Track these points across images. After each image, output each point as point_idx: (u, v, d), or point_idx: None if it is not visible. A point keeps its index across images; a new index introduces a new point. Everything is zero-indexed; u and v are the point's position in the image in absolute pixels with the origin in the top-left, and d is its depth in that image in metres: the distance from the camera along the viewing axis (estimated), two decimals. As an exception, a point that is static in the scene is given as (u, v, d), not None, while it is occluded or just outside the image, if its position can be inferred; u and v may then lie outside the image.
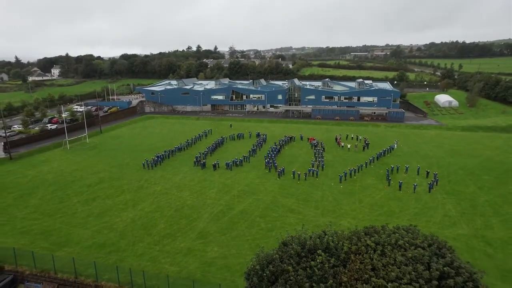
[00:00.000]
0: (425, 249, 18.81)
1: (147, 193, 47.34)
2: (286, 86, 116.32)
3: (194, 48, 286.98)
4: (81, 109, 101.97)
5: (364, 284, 17.19)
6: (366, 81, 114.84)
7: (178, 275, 29.96)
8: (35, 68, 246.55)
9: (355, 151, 65.44)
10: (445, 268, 17.26)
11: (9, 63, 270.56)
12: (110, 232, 37.34)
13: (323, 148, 65.10)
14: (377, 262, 18.08)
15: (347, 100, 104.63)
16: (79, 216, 41.19)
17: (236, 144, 72.50)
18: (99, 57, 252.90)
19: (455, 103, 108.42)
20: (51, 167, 58.99)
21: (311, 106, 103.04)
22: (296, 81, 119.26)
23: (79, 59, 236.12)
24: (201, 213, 41.19)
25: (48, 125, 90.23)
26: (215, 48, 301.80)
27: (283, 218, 39.86)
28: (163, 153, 62.63)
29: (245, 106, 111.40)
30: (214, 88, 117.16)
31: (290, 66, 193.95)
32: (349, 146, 66.95)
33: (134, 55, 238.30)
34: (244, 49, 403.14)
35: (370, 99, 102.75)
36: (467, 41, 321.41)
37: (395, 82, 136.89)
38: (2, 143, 70.80)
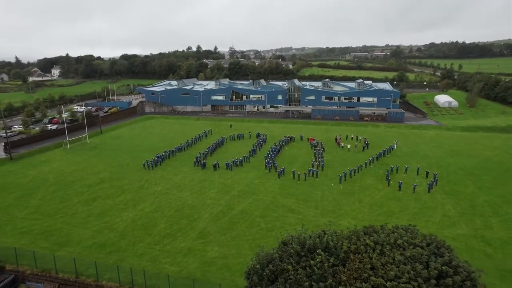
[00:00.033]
0: (423, 248, 18.94)
1: (147, 193, 47.48)
2: (286, 86, 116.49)
3: (194, 49, 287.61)
4: (81, 110, 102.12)
5: (363, 283, 17.32)
6: (366, 82, 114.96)
7: (178, 274, 30.08)
8: (35, 69, 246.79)
9: (355, 151, 65.58)
10: (443, 267, 17.39)
11: (9, 63, 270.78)
12: (110, 232, 37.47)
13: (323, 149, 65.24)
14: (376, 261, 18.22)
15: (347, 101, 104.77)
16: (80, 216, 41.32)
17: (236, 144, 72.65)
18: (99, 58, 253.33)
19: (454, 103, 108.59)
20: (52, 167, 59.13)
21: (311, 107, 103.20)
22: (296, 81, 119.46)
23: (79, 59, 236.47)
24: (201, 213, 41.33)
25: (49, 125, 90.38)
26: (215, 48, 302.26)
27: (283, 218, 39.99)
28: (163, 153, 62.78)
29: (245, 106, 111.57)
30: (214, 88, 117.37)
31: (290, 66, 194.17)
32: (349, 146, 67.09)
33: (134, 56, 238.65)
34: (244, 50, 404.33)
35: (370, 99, 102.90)
36: (467, 42, 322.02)
37: (395, 82, 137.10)
38: (3, 144, 70.96)
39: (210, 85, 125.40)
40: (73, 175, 54.89)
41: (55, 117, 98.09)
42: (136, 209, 42.86)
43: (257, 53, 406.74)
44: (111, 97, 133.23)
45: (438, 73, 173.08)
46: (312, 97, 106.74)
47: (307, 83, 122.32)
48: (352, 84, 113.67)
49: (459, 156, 61.72)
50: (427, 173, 51.77)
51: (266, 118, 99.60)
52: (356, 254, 19.08)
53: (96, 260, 31.05)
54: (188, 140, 72.08)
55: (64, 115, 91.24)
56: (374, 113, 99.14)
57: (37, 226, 39.03)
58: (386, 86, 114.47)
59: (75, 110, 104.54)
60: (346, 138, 75.04)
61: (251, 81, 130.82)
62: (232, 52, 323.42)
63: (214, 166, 56.17)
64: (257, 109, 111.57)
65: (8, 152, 65.01)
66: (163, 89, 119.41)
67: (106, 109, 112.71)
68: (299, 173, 51.75)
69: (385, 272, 17.60)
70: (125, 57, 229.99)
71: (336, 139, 72.48)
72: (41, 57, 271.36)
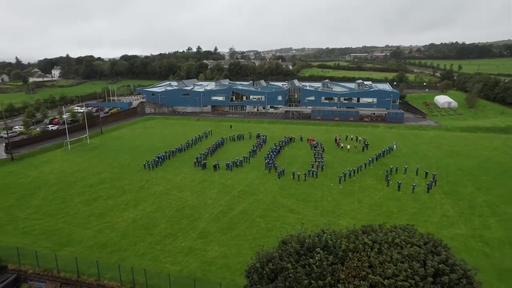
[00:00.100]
0: (421, 247, 19.23)
1: (148, 194, 47.77)
2: (286, 87, 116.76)
3: (194, 49, 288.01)
4: (82, 110, 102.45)
5: (361, 281, 17.60)
6: (365, 82, 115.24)
7: (179, 274, 30.35)
8: (36, 69, 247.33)
9: (355, 151, 65.86)
10: (440, 265, 17.68)
11: (9, 64, 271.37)
12: (111, 232, 37.75)
13: (323, 149, 65.52)
14: (374, 260, 18.50)
15: (346, 101, 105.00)
16: (81, 216, 41.61)
17: (236, 145, 72.93)
18: (99, 58, 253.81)
19: (454, 104, 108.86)
20: (53, 168, 59.42)
21: (311, 107, 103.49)
22: (296, 82, 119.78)
23: (79, 60, 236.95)
24: (202, 213, 41.60)
25: (49, 126, 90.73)
26: (215, 49, 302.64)
27: (283, 218, 40.25)
28: (163, 153, 63.07)
29: (245, 107, 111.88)
30: (214, 89, 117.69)
31: (290, 67, 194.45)
32: (348, 147, 67.36)
33: (135, 56, 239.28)
34: (244, 50, 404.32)
35: (369, 100, 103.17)
36: (467, 42, 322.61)
37: (395, 83, 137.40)
38: (4, 144, 71.26)
39: (210, 85, 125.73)
40: (74, 176, 55.18)
41: (55, 118, 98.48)
42: (137, 209, 43.14)
43: (257, 53, 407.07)
44: (111, 98, 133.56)
45: (437, 74, 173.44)
46: (312, 98, 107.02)
47: (307, 83, 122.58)
48: (352, 85, 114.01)
49: (458, 156, 62.00)
50: (426, 173, 52.04)
51: (266, 119, 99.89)
52: (355, 253, 19.36)
53: (97, 260, 31.33)
54: (188, 141, 72.37)
55: (65, 116, 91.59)
56: (374, 113, 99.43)
57: (38, 226, 39.31)
58: (386, 86, 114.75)
59: (76, 110, 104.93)
60: (346, 138, 75.33)
61: (251, 81, 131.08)
62: (232, 53, 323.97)
63: (214, 166, 56.45)
64: (257, 110, 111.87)
65: (9, 153, 65.32)
66: (163, 89, 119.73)
67: (106, 109, 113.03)
68: (299, 173, 52.03)
69: (383, 270, 17.88)
70: (125, 57, 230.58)
71: (335, 140, 72.77)
72: (42, 58, 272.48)
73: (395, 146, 67.44)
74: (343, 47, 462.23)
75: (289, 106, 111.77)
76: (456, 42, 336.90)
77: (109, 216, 41.34)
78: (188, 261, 32.41)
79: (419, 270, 17.52)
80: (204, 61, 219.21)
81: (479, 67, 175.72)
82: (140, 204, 44.40)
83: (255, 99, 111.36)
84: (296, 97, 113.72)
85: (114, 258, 32.90)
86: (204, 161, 58.60)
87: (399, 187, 47.44)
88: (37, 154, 67.77)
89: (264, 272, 19.49)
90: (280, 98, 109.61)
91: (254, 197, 45.86)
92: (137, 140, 77.92)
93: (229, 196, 46.44)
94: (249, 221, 39.66)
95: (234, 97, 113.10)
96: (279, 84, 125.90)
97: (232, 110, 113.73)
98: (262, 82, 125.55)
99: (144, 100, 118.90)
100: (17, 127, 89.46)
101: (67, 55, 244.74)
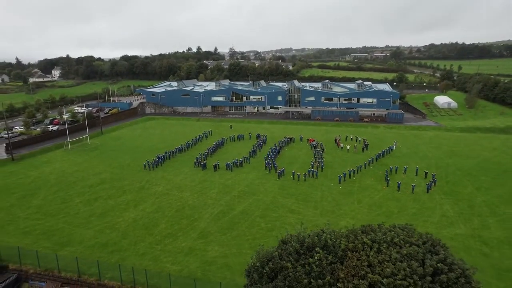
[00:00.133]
0: (419, 246, 19.36)
1: (148, 194, 47.90)
2: (286, 87, 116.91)
3: (194, 50, 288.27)
4: (82, 111, 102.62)
5: (360, 280, 17.74)
6: (365, 83, 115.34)
7: (179, 274, 30.48)
8: (36, 70, 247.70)
9: (354, 152, 65.98)
10: (438, 265, 17.81)
11: (9, 64, 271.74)
12: (112, 232, 37.88)
13: (323, 149, 65.64)
14: (373, 259, 18.64)
15: (346, 102, 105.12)
16: (81, 216, 41.74)
17: (236, 145, 73.07)
18: (99, 59, 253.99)
19: (454, 104, 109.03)
20: (53, 168, 59.56)
21: (310, 108, 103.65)
22: (296, 82, 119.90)
23: (79, 60, 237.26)
24: (202, 213, 41.73)
25: (50, 126, 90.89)
26: (215, 49, 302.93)
27: (283, 218, 40.38)
28: (164, 154, 63.22)
29: (245, 107, 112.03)
30: (214, 89, 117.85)
31: (290, 67, 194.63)
32: (348, 147, 67.50)
33: (135, 57, 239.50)
34: (244, 51, 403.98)
35: (369, 100, 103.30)
36: (467, 42, 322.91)
37: (395, 83, 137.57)
38: (4, 144, 71.41)
39: (210, 86, 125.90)
40: (74, 176, 55.32)
41: (56, 118, 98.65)
42: (137, 209, 43.28)
43: (257, 54, 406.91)
44: (111, 98, 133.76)
45: (437, 74, 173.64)
46: (312, 98, 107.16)
47: (307, 84, 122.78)
48: (351, 85, 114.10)
49: (458, 157, 62.12)
50: (426, 173, 52.17)
51: (266, 119, 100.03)
52: (354, 252, 19.51)
53: (98, 260, 31.47)
54: (188, 141, 72.51)
55: (65, 116, 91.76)
56: (374, 114, 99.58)
57: (39, 226, 39.45)
58: (386, 87, 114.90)
59: (76, 111, 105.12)
60: (346, 139, 75.47)
61: (251, 82, 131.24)
62: (232, 53, 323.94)
63: (215, 166, 56.58)
64: (257, 110, 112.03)
65: (10, 153, 65.48)
66: (163, 90, 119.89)
67: (106, 110, 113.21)
68: (298, 173, 52.16)
69: (381, 270, 18.02)
70: (125, 58, 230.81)
71: (335, 140, 72.90)
72: (42, 58, 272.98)
73: (394, 146, 67.57)
74: (343, 47, 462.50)
75: (289, 106, 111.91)
76: (456, 42, 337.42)
77: (109, 216, 41.48)
78: (188, 261, 32.54)
79: (417, 269, 17.65)
80: (204, 61, 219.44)
81: (479, 68, 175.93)
82: (141, 204, 44.53)
83: (255, 100, 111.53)
84: (296, 97, 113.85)
85: (115, 258, 33.03)
86: (204, 162, 58.73)
87: (398, 187, 47.58)
88: (38, 155, 67.92)
89: (264, 271, 19.63)
90: (280, 98, 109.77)
91: (254, 197, 46.00)
92: (137, 141, 78.06)
93: (229, 196, 46.58)
94: (249, 221, 39.79)
95: (234, 97, 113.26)
96: (279, 84, 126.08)
97: (232, 110, 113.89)
98: (262, 82, 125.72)
99: (144, 100, 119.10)
100: (17, 127, 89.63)
101: (67, 55, 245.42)
